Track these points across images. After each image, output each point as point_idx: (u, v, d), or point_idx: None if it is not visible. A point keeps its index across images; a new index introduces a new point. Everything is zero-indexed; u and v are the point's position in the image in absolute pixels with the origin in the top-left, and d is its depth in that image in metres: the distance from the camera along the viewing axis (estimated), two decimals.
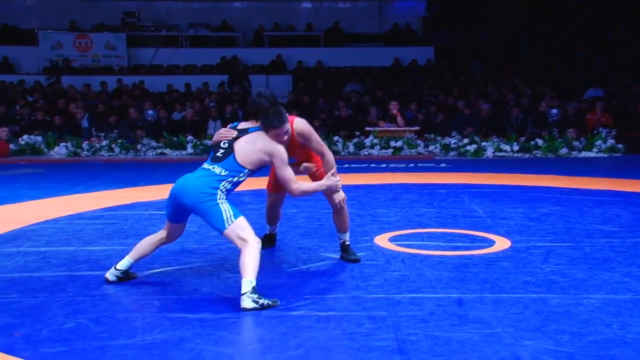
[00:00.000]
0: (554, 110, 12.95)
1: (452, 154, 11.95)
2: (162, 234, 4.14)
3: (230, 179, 3.86)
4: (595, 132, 12.17)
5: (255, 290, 3.59)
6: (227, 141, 3.95)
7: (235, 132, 3.98)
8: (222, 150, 3.95)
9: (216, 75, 16.46)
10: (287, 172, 3.96)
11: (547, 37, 17.43)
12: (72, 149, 12.08)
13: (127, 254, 4.16)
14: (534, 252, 4.80)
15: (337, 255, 4.73)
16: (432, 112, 13.68)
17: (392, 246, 5.03)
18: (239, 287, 3.63)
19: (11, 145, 12.09)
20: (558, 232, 5.49)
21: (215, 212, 3.75)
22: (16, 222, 5.96)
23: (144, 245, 4.15)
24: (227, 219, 3.75)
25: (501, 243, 5.10)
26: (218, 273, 4.31)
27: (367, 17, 19.00)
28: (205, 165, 3.94)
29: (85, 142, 12.24)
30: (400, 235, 5.39)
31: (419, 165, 10.45)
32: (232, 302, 3.70)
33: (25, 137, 12.27)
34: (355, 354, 3.02)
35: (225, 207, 3.78)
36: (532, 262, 4.54)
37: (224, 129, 4.09)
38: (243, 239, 3.72)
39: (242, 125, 4.07)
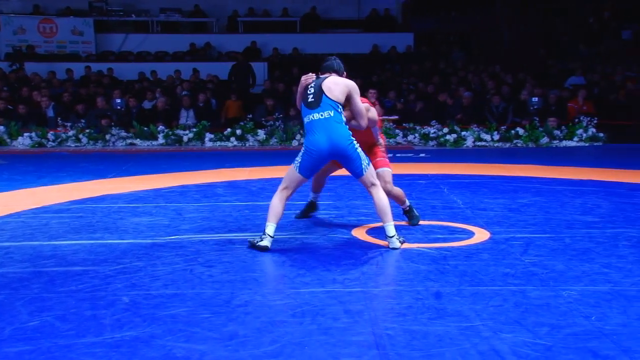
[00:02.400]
0: (535, 99, 13.07)
1: (431, 143, 12.02)
2: (287, 192, 4.69)
3: (342, 120, 4.61)
4: (576, 120, 12.32)
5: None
6: (312, 86, 4.70)
7: (314, 75, 4.80)
8: (311, 96, 4.66)
9: (188, 62, 16.34)
10: (360, 104, 4.76)
11: (529, 24, 17.54)
12: (37, 139, 11.94)
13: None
14: (513, 244, 4.86)
15: (314, 247, 4.74)
16: (411, 101, 13.72)
17: (370, 239, 5.06)
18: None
19: None
20: (538, 223, 5.56)
21: (356, 157, 4.59)
22: None
23: (278, 206, 4.66)
24: (364, 165, 4.61)
25: (480, 235, 5.16)
26: (191, 268, 4.30)
27: (345, 2, 18.94)
28: (315, 116, 4.60)
29: (51, 132, 12.10)
30: (378, 228, 5.39)
31: (397, 155, 10.44)
32: (205, 297, 3.69)
33: None
34: (331, 349, 3.03)
35: (362, 154, 4.63)
36: (511, 254, 4.59)
37: (310, 74, 4.86)
38: (374, 184, 4.62)
39: (321, 75, 4.85)
